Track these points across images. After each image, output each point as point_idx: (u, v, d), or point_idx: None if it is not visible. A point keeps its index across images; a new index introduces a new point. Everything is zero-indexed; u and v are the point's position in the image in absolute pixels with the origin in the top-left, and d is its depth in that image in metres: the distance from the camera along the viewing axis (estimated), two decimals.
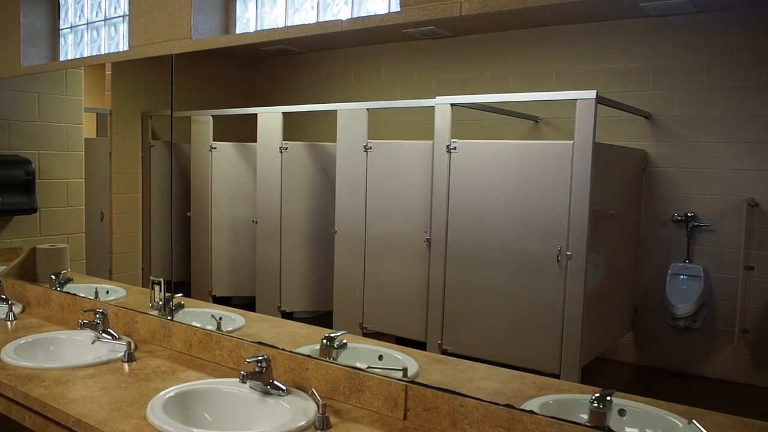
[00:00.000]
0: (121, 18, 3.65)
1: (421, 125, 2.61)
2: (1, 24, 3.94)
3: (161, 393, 2.22)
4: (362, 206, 2.72)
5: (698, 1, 1.99)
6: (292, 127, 2.99)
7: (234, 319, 2.91)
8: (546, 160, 2.27)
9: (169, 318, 2.90)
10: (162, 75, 3.10)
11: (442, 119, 2.41)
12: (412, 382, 2.13)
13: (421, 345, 2.46)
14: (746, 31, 1.97)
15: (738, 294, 1.99)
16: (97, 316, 2.84)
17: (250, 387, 2.25)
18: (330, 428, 2.02)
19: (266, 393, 2.22)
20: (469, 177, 2.39)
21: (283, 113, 2.98)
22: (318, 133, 3.01)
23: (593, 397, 1.81)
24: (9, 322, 3.20)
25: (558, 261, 2.17)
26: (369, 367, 2.26)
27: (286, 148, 2.98)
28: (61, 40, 4.02)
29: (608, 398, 1.80)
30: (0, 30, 3.95)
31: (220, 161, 3.23)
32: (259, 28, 3.03)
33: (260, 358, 2.22)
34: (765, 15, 1.95)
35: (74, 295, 3.39)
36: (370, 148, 2.69)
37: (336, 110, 2.77)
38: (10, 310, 3.27)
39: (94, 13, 3.82)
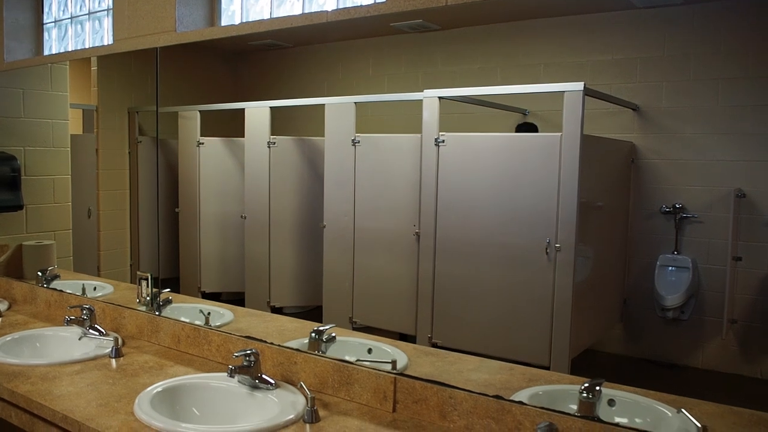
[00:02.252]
0: (106, 11, 3.62)
1: (409, 119, 2.61)
2: None
3: (149, 388, 2.20)
4: (351, 200, 2.71)
5: None
6: (280, 121, 2.97)
7: (222, 314, 2.89)
8: (534, 153, 2.27)
9: (156, 313, 2.88)
10: (148, 70, 3.07)
11: (430, 113, 2.40)
12: (401, 374, 2.12)
13: (411, 339, 2.46)
14: (732, 23, 1.97)
15: (726, 285, 2.00)
16: (84, 312, 2.82)
17: (239, 381, 2.24)
18: (319, 421, 2.01)
19: (255, 387, 2.21)
20: (457, 170, 2.39)
21: (271, 108, 2.97)
22: (306, 127, 3.00)
23: (582, 387, 1.81)
24: None
25: (547, 253, 2.17)
26: (358, 360, 2.25)
27: (274, 143, 2.97)
28: (45, 34, 3.98)
29: (597, 388, 1.80)
30: None
31: (207, 156, 3.21)
32: (244, 21, 3.01)
33: (248, 352, 2.20)
34: (750, 6, 1.96)
35: (61, 291, 3.37)
36: (358, 142, 2.68)
37: (324, 104, 2.76)
38: None
39: (78, 7, 3.78)
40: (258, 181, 3.02)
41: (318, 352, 2.37)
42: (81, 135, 3.84)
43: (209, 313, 2.82)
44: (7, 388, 2.26)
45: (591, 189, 2.15)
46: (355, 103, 2.69)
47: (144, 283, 2.97)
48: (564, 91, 2.09)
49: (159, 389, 2.20)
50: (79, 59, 3.64)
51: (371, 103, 2.74)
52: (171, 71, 3.07)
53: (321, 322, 2.67)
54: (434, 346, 2.41)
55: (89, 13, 3.73)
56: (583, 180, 2.09)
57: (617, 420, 1.81)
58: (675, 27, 2.05)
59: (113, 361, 2.57)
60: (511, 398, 1.91)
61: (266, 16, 2.94)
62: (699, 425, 1.66)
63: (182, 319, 2.81)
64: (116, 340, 2.67)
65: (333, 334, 2.41)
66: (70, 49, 3.85)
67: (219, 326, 2.74)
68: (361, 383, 2.17)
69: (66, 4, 3.85)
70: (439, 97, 2.39)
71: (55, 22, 3.93)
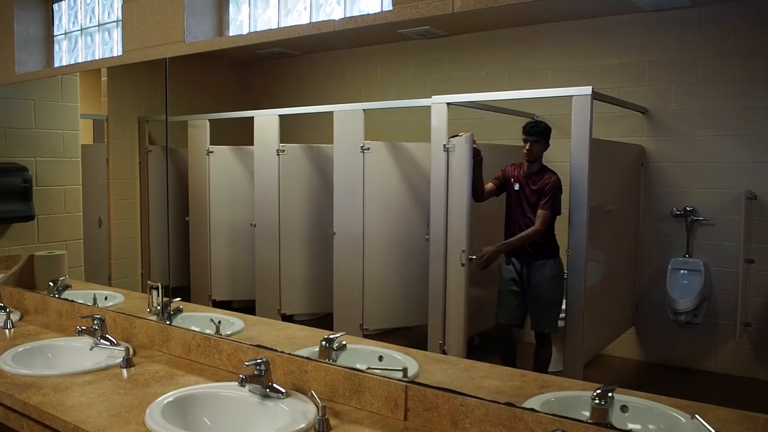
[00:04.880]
0: (115, 23, 3.65)
1: (417, 125, 2.61)
2: None
3: (160, 398, 2.20)
4: (360, 207, 2.71)
5: None
6: (289, 129, 2.99)
7: (233, 322, 2.90)
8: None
9: (167, 323, 2.89)
10: (158, 80, 3.09)
11: (439, 119, 2.40)
12: (412, 382, 2.11)
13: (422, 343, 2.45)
14: (740, 25, 1.97)
15: (739, 287, 1.99)
16: (95, 322, 2.83)
17: (249, 390, 2.24)
18: (330, 430, 2.00)
19: (265, 396, 2.20)
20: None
21: (280, 116, 2.98)
22: (315, 134, 3.01)
23: (594, 394, 1.79)
24: (7, 330, 3.18)
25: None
26: (369, 368, 2.25)
27: (283, 151, 2.98)
28: (56, 46, 4.01)
29: (610, 394, 1.79)
30: None
31: (217, 165, 3.22)
32: (252, 30, 3.03)
33: (259, 360, 2.20)
34: (758, 8, 1.95)
35: (72, 301, 3.38)
36: (368, 148, 2.68)
37: (332, 111, 2.77)
38: (8, 318, 3.25)
39: (88, 19, 3.81)
40: (267, 189, 3.03)
41: (329, 360, 2.36)
42: (92, 145, 3.86)
43: (220, 322, 2.82)
44: (19, 399, 2.27)
45: (601, 193, 2.15)
46: (364, 110, 2.69)
47: (155, 292, 2.98)
48: (572, 95, 2.09)
49: (170, 399, 2.20)
50: (89, 70, 3.67)
51: (379, 109, 2.74)
52: (180, 80, 3.09)
53: (332, 329, 2.66)
54: (444, 352, 2.40)
55: (99, 25, 3.77)
56: (593, 184, 2.08)
57: (630, 426, 1.80)
58: (683, 30, 2.05)
59: (124, 371, 2.57)
60: (523, 405, 1.90)
61: (274, 26, 2.95)
62: (713, 431, 1.64)
63: (193, 328, 2.81)
64: (127, 350, 2.68)
65: (343, 342, 2.40)
66: (80, 61, 3.88)
67: (229, 335, 2.74)
68: (372, 391, 2.16)
69: (76, 17, 3.89)
70: (448, 103, 2.38)
71: (65, 34, 3.96)
